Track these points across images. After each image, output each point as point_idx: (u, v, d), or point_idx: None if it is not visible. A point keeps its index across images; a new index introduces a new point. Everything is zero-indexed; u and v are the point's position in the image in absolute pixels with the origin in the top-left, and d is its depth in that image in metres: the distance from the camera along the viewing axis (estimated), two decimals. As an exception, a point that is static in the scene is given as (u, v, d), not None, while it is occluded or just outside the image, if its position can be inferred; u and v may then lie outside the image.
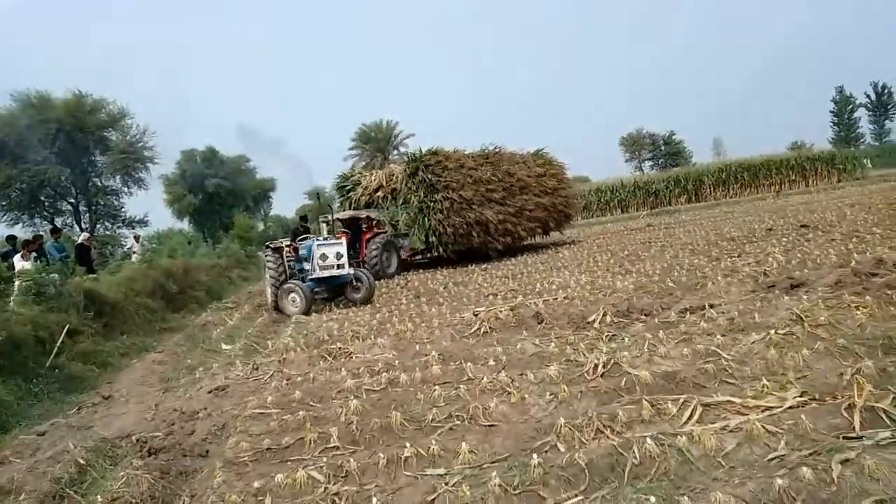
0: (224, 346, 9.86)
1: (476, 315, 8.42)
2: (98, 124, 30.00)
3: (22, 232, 26.54)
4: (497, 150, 18.74)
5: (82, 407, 7.05)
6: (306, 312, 10.85)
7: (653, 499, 2.93)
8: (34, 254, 11.69)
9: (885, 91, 72.71)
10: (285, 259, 12.51)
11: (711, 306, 7.05)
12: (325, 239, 11.91)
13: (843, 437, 3.44)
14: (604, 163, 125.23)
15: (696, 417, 4.00)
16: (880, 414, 3.61)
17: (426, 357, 6.55)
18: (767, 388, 4.23)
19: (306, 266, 11.82)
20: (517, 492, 3.36)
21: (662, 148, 61.72)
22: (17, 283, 10.17)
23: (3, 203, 28.06)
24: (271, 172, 56.53)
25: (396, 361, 6.60)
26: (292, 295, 11.26)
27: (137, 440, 5.30)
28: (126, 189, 31.20)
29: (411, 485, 3.60)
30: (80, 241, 15.13)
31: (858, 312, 5.76)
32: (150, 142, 31.23)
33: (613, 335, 6.58)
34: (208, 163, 50.00)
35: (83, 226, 29.46)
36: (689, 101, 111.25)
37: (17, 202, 28.34)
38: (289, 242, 12.86)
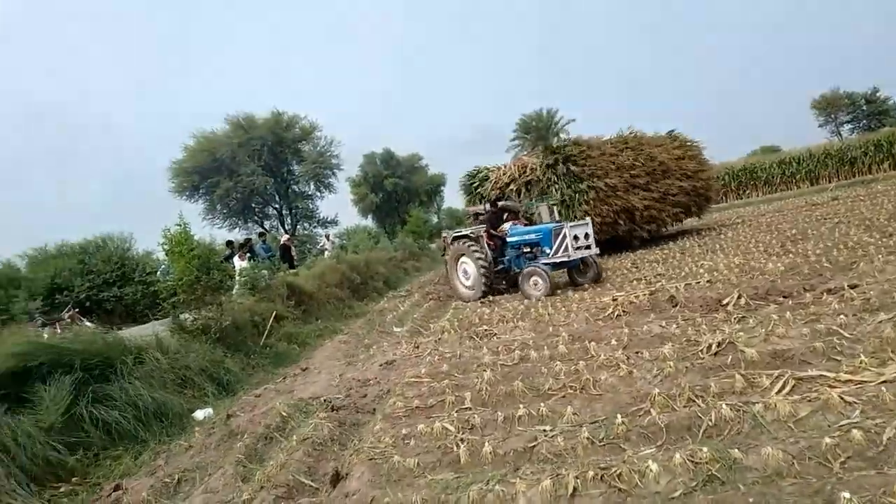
0: (395, 329, 11.39)
1: (614, 300, 8.92)
2: (294, 138, 34.39)
3: (238, 234, 31.57)
4: (635, 133, 18.33)
5: (286, 377, 8.85)
6: (549, 294, 10.88)
7: (705, 449, 3.47)
8: (248, 254, 14.30)
9: None
10: (486, 246, 12.57)
11: (853, 287, 6.88)
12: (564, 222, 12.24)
13: (922, 409, 3.63)
14: (796, 129, 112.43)
15: (786, 390, 4.32)
16: (970, 390, 3.72)
17: (557, 338, 7.28)
18: (865, 363, 4.40)
19: (539, 250, 11.75)
20: (602, 444, 4.06)
21: (864, 108, 54.24)
22: (237, 279, 12.62)
23: (224, 211, 33.43)
24: (441, 168, 59.77)
25: (531, 341, 7.42)
26: (534, 278, 11.20)
27: (325, 400, 6.75)
28: (318, 193, 35.42)
29: (519, 435, 4.45)
30: (282, 242, 17.90)
31: None
32: (335, 150, 35.08)
33: (742, 317, 6.75)
34: (386, 164, 54.11)
35: (286, 227, 34.05)
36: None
37: (235, 210, 33.57)
38: (485, 229, 12.81)
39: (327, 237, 24.47)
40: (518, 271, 12.06)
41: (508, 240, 12.56)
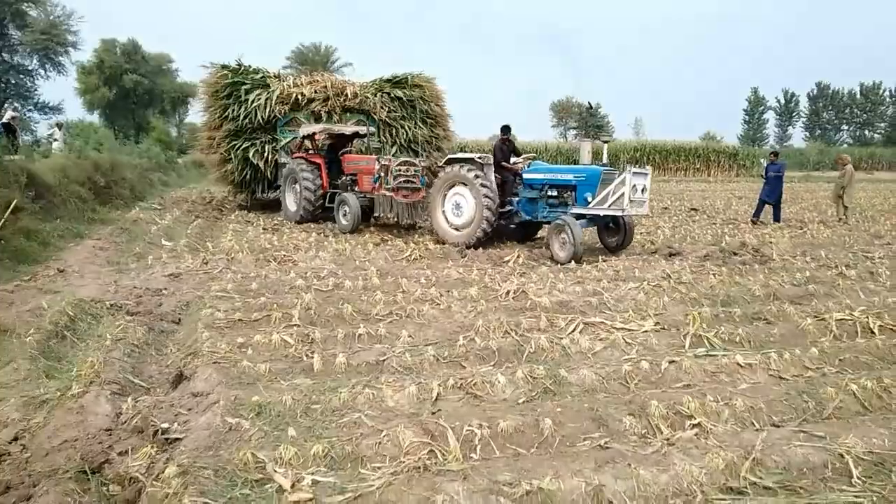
0: (164, 242, 10.44)
1: (415, 244, 9.58)
2: (16, -4, 27.87)
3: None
4: None
5: (38, 276, 7.60)
6: (577, 260, 8.59)
7: (541, 367, 4.23)
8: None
9: (793, 99, 78.90)
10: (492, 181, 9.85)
11: (605, 261, 8.54)
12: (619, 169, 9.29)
13: (677, 351, 4.90)
14: (532, 125, 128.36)
15: (578, 330, 5.36)
16: (704, 339, 5.11)
17: (365, 271, 7.63)
18: (632, 317, 5.68)
19: (572, 196, 9.42)
20: (446, 361, 4.59)
21: (588, 120, 64.24)
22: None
23: None
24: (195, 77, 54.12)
25: (339, 272, 7.63)
26: (563, 235, 8.77)
27: (112, 304, 6.07)
28: (43, 72, 29.35)
29: (366, 350, 4.75)
30: (5, 120, 14.72)
31: (713, 278, 7.38)
32: (74, 26, 29.40)
33: (524, 273, 7.91)
34: (129, 57, 47.26)
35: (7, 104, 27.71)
36: (617, 77, 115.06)
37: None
38: (487, 160, 9.99)
39: (59, 126, 20.57)
40: (528, 220, 10.07)
41: (526, 177, 9.99)
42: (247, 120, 14.21)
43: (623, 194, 8.66)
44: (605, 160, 11.39)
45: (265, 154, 14.12)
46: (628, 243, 9.55)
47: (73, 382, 3.82)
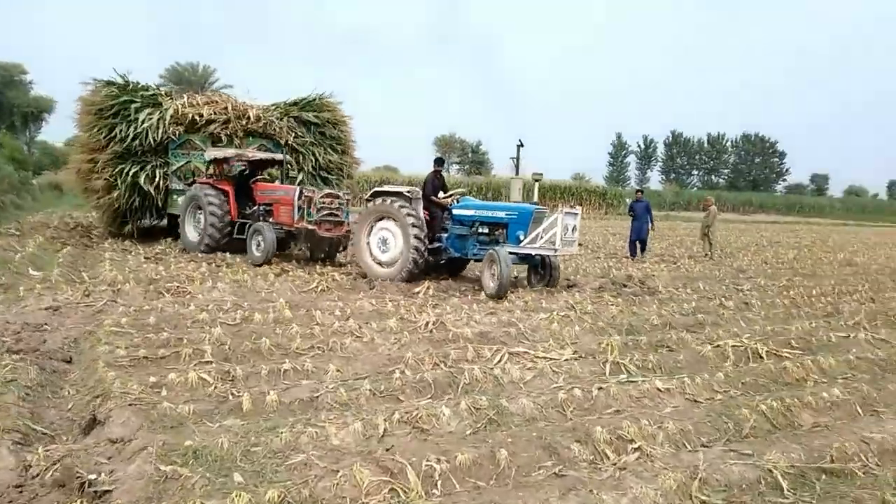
0: (32, 272, 9.33)
1: (320, 275, 9.30)
2: None
3: None
4: None
5: None
6: (501, 296, 8.43)
7: (484, 398, 4.24)
8: None
9: (652, 144, 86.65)
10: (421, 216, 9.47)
11: (512, 292, 8.79)
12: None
13: (600, 378, 5.11)
14: (417, 158, 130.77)
15: (504, 360, 5.44)
16: (622, 367, 5.38)
17: (273, 303, 7.28)
18: (552, 346, 5.87)
19: (503, 234, 9.36)
20: (382, 395, 4.46)
21: (470, 155, 66.43)
22: None
23: None
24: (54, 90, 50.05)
25: (244, 304, 7.22)
26: (495, 267, 8.56)
27: (-12, 341, 5.31)
28: None
29: (295, 387, 4.50)
30: None
31: (613, 308, 7.83)
32: None
33: (436, 304, 7.93)
34: (-27, 64, 42.62)
35: None
36: (497, 116, 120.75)
37: None
38: (417, 194, 9.63)
39: None
40: (457, 256, 9.83)
41: (456, 213, 9.79)
42: (136, 141, 12.87)
43: (555, 234, 8.73)
44: (535, 198, 11.52)
45: (156, 179, 12.97)
46: (555, 283, 9.52)
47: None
